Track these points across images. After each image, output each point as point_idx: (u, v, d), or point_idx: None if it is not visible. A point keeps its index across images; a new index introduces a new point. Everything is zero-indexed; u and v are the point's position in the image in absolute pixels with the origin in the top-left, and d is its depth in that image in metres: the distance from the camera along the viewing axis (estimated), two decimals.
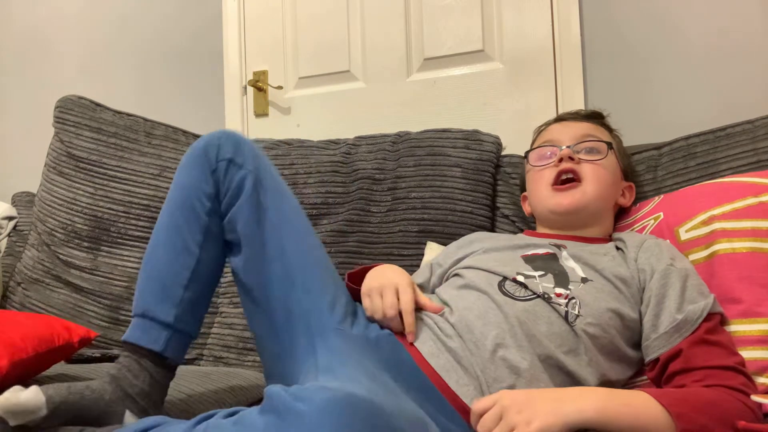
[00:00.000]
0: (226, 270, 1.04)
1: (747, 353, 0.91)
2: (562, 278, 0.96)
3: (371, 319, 0.97)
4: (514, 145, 1.44)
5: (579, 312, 0.91)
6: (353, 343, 0.89)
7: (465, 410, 0.84)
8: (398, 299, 0.94)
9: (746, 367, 0.87)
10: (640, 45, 1.59)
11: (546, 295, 0.92)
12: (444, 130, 1.43)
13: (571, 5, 1.64)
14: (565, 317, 0.90)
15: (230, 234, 0.94)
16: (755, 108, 1.37)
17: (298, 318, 0.90)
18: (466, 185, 1.34)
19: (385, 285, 0.96)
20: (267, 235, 0.92)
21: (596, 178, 1.08)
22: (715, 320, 0.91)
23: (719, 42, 1.52)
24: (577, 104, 1.61)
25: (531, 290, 0.93)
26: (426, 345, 0.91)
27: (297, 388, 0.60)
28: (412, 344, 0.91)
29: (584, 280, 0.96)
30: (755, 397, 0.90)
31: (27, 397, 0.78)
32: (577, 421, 0.75)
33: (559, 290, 0.93)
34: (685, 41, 1.55)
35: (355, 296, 1.01)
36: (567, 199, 1.07)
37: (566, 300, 0.92)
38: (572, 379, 0.88)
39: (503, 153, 1.42)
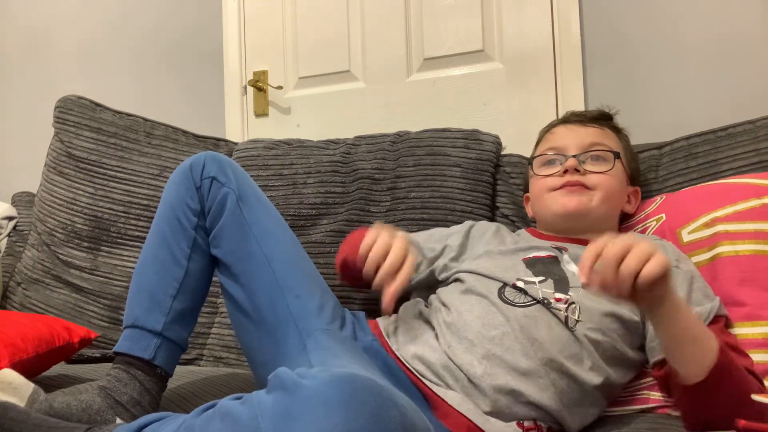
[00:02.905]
0: None
1: (751, 356, 0.91)
2: (562, 283, 0.95)
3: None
4: (514, 145, 1.44)
5: (579, 317, 0.90)
6: (342, 342, 0.90)
7: (446, 414, 0.84)
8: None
9: (755, 369, 0.86)
10: (640, 45, 1.59)
11: (545, 300, 0.92)
12: (443, 130, 1.43)
13: (571, 5, 1.64)
14: (565, 322, 0.90)
15: (216, 249, 0.97)
16: (756, 108, 1.37)
17: (287, 322, 0.92)
18: (465, 185, 1.34)
19: (384, 234, 0.93)
20: (252, 248, 0.95)
21: (603, 188, 1.06)
22: (721, 323, 0.91)
23: (720, 42, 1.52)
24: (577, 104, 1.61)
25: (530, 296, 0.93)
26: (409, 352, 0.92)
27: (302, 370, 0.61)
28: (394, 352, 0.93)
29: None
30: (756, 397, 0.90)
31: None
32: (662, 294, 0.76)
33: (558, 295, 0.93)
34: (686, 41, 1.55)
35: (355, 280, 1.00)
36: (573, 202, 1.05)
37: (566, 305, 0.91)
38: (576, 383, 0.88)
39: (503, 153, 1.41)
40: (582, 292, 0.94)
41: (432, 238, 1.16)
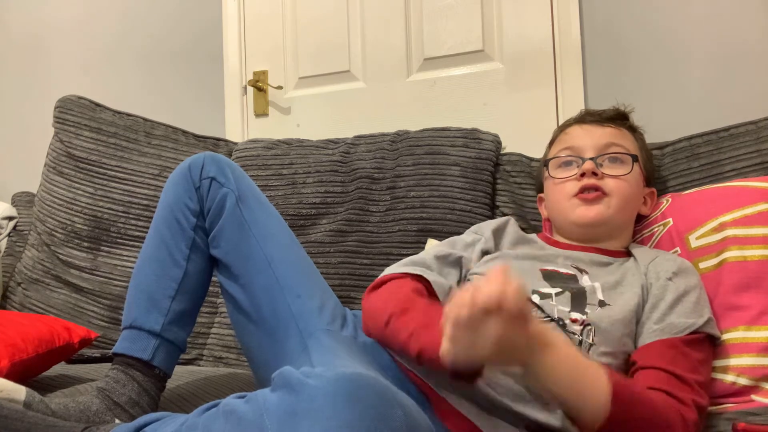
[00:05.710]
0: None
1: (752, 360, 0.91)
2: (579, 298, 0.92)
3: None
4: (513, 145, 1.43)
5: (593, 341, 0.87)
6: (344, 342, 0.90)
7: (448, 414, 0.83)
8: None
9: (704, 389, 0.83)
10: (640, 45, 1.59)
11: (561, 321, 0.88)
12: (443, 129, 1.43)
13: (571, 6, 1.64)
14: (579, 345, 0.87)
15: (215, 249, 0.97)
16: (756, 109, 1.36)
17: (288, 322, 0.92)
18: (465, 184, 1.34)
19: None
20: (252, 249, 0.95)
21: (620, 193, 1.02)
22: (701, 337, 0.89)
23: (720, 42, 1.52)
24: (577, 104, 1.61)
25: (546, 313, 0.90)
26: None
27: (307, 369, 0.61)
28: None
29: (602, 303, 0.92)
30: (756, 397, 0.90)
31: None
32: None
33: (575, 315, 0.89)
34: (686, 41, 1.55)
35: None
36: (591, 211, 1.01)
37: (581, 327, 0.88)
38: None
39: (502, 152, 1.41)
40: (599, 311, 0.90)
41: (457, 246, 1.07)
